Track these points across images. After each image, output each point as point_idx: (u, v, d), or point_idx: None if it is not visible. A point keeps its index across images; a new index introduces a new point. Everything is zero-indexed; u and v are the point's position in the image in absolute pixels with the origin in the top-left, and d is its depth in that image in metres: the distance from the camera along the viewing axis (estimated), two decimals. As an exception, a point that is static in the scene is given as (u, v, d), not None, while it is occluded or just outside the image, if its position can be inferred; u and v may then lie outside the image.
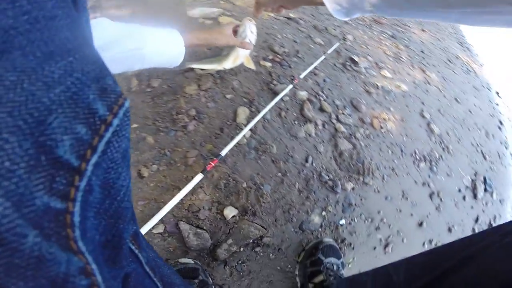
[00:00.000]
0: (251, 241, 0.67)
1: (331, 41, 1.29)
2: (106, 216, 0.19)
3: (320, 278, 0.63)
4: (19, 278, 0.13)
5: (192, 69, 0.79)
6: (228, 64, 0.71)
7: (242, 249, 0.67)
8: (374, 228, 0.84)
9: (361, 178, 0.85)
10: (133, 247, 0.25)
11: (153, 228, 0.54)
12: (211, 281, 0.59)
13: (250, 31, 0.73)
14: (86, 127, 0.14)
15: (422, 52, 1.70)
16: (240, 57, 0.73)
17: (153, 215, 0.57)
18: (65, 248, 0.14)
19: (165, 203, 0.61)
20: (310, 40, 1.21)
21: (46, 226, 0.13)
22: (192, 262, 0.59)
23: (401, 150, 1.03)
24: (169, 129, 0.69)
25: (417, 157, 1.07)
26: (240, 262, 0.66)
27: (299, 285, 0.68)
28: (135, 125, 0.68)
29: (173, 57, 0.59)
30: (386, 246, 0.85)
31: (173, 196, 0.61)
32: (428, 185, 1.03)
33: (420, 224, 0.94)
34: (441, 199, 1.03)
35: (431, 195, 1.01)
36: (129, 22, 0.48)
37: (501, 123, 1.56)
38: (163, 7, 1.11)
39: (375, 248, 0.83)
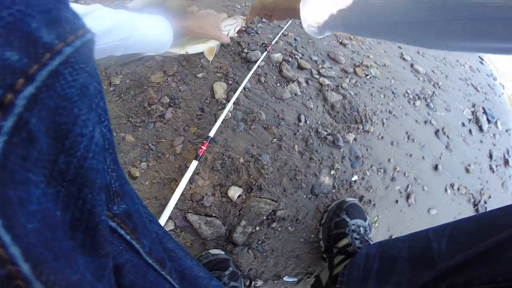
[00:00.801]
0: (264, 217, 0.65)
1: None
2: (64, 182, 0.14)
3: (345, 241, 0.61)
4: None
5: (153, 57, 0.75)
6: (192, 49, 0.68)
7: (258, 228, 0.65)
8: (389, 179, 0.83)
9: (361, 127, 0.83)
10: (122, 232, 0.21)
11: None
12: (240, 272, 0.59)
13: (234, 29, 0.76)
14: (19, 54, 0.11)
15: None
16: (209, 46, 0.72)
17: (158, 213, 0.55)
18: None
19: (166, 199, 0.60)
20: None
21: None
22: (223, 253, 0.59)
23: (393, 93, 1.01)
24: (146, 122, 0.67)
25: (411, 97, 1.06)
26: (260, 242, 0.65)
27: (322, 249, 0.67)
28: None
29: (159, 46, 0.59)
30: (407, 197, 0.85)
31: (172, 189, 0.60)
32: (431, 123, 1.05)
33: (436, 168, 0.94)
34: (447, 136, 1.02)
35: (436, 133, 1.02)
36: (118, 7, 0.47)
37: (481, 58, 1.62)
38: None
39: (397, 201, 0.82)
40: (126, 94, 0.70)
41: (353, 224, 0.63)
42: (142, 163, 0.63)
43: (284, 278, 0.65)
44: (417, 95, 1.12)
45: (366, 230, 0.64)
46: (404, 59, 1.26)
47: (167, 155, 0.64)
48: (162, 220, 0.52)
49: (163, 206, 0.56)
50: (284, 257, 0.66)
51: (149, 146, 0.64)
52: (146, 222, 0.24)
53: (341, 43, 1.13)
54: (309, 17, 0.52)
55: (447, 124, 1.07)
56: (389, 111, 0.97)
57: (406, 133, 0.97)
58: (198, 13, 0.66)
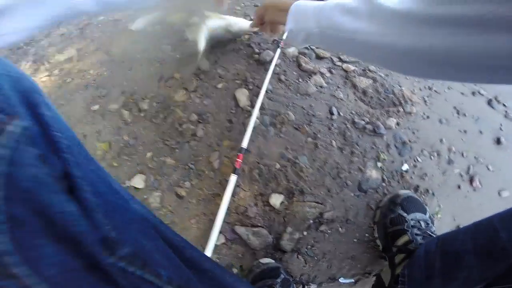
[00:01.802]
0: (311, 221, 0.66)
1: None
2: (64, 242, 0.21)
3: (404, 239, 0.59)
4: None
5: (172, 77, 0.78)
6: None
7: (305, 233, 0.66)
8: (445, 163, 0.79)
9: (401, 109, 0.80)
10: (132, 269, 0.24)
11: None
12: (291, 278, 0.61)
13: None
14: None
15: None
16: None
17: (208, 228, 0.61)
18: None
19: (213, 214, 0.64)
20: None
21: None
22: (273, 261, 0.62)
23: None
24: (181, 143, 0.72)
25: None
26: (309, 247, 0.66)
27: (380, 248, 0.66)
28: (149, 154, 0.69)
29: None
30: (471, 180, 0.79)
31: (217, 204, 0.63)
32: (480, 93, 0.98)
33: (498, 141, 0.87)
34: (503, 104, 0.96)
35: (489, 103, 0.96)
36: None
37: None
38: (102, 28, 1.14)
39: (459, 186, 0.77)
40: (157, 118, 0.74)
41: (411, 219, 0.61)
42: (185, 183, 0.68)
43: (339, 280, 0.66)
44: (457, 62, 1.03)
45: (428, 224, 0.61)
46: None
47: (207, 172, 0.69)
48: (214, 235, 0.55)
49: (212, 221, 0.59)
50: (337, 259, 0.66)
51: (189, 166, 0.69)
52: (164, 252, 0.28)
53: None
54: (292, 21, 0.60)
55: (500, 92, 0.97)
56: (429, 87, 0.91)
57: (454, 107, 0.91)
58: None
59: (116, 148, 0.73)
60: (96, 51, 1.03)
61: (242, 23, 0.85)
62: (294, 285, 0.61)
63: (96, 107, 0.81)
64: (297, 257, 0.65)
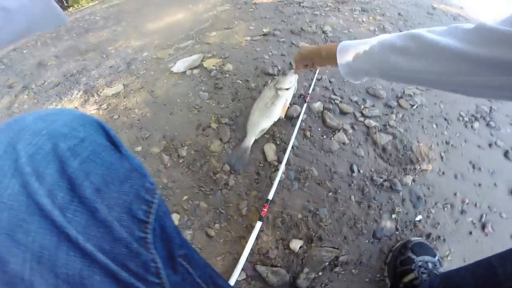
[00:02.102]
0: (327, 264, 0.73)
1: (313, 39, 1.36)
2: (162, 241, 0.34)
3: (411, 276, 0.65)
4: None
5: (209, 126, 0.89)
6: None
7: (320, 273, 0.73)
8: (458, 213, 0.85)
9: (418, 166, 0.86)
10: (184, 263, 0.37)
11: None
12: None
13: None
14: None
15: (400, 14, 1.80)
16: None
17: (232, 265, 0.70)
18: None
19: (238, 253, 0.74)
20: (295, 47, 1.29)
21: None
22: None
23: (445, 119, 1.00)
24: (215, 190, 0.83)
25: (467, 119, 1.04)
26: (323, 285, 0.72)
27: (388, 285, 0.72)
28: (185, 197, 0.80)
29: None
30: (483, 227, 0.85)
31: (242, 245, 0.73)
32: (496, 144, 1.02)
33: None
34: None
35: (506, 154, 0.98)
36: None
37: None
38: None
39: (471, 232, 0.83)
40: (194, 166, 0.84)
41: (419, 261, 0.66)
42: (215, 225, 0.78)
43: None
44: (473, 115, 1.09)
45: (435, 265, 0.66)
46: None
47: (235, 217, 0.79)
48: (237, 272, 0.65)
49: (236, 260, 0.69)
50: (349, 297, 0.76)
51: (220, 210, 0.80)
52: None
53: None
54: (345, 65, 0.64)
55: (517, 140, 1.00)
56: (446, 141, 0.96)
57: (470, 162, 0.95)
58: None
59: (156, 189, 0.83)
60: (140, 90, 1.17)
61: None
62: None
63: (139, 148, 0.92)
64: (313, 294, 0.74)
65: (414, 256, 0.67)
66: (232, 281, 0.63)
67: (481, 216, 0.84)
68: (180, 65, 1.25)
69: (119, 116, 1.07)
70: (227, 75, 1.15)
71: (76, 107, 1.22)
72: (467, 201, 0.85)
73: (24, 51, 1.84)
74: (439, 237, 0.79)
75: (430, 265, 0.65)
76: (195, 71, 1.19)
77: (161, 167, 0.87)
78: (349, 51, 0.62)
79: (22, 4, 0.46)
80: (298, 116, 0.92)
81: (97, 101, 1.21)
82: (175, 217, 0.79)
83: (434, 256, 0.68)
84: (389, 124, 0.97)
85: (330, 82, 1.10)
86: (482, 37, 0.39)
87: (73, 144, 0.26)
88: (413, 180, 0.86)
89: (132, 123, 1.01)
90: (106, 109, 1.14)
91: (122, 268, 0.24)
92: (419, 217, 0.80)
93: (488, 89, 0.41)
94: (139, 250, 0.25)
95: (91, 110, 1.18)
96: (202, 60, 1.25)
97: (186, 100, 1.05)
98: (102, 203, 0.25)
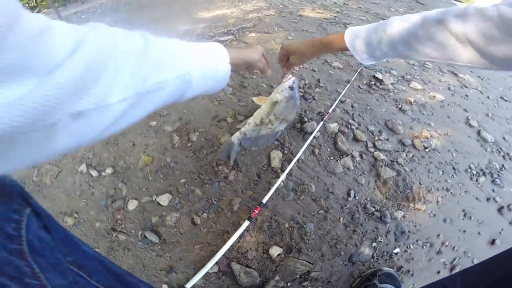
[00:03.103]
0: (298, 276, 0.73)
1: (349, 62, 1.33)
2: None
3: None
4: None
5: (224, 119, 0.88)
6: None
7: (289, 284, 0.73)
8: (435, 253, 0.83)
9: (412, 205, 0.84)
10: (74, 268, 0.37)
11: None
12: None
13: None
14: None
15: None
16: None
17: (208, 257, 0.70)
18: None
19: (217, 246, 0.73)
20: (328, 65, 1.28)
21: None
22: None
23: (453, 168, 0.97)
24: (213, 180, 0.83)
25: (474, 172, 1.00)
26: None
27: None
28: (183, 180, 0.79)
29: (219, 80, 0.50)
30: (452, 269, 0.83)
31: (224, 239, 0.73)
32: (494, 200, 1.01)
33: (492, 242, 0.90)
34: None
35: (500, 210, 0.97)
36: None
37: None
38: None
39: (439, 272, 0.82)
40: (200, 153, 0.84)
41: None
42: (203, 214, 0.79)
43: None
44: (481, 170, 1.05)
45: None
46: (470, 124, 1.19)
47: (225, 211, 0.79)
48: (210, 264, 0.65)
49: (214, 252, 0.69)
50: (308, 314, 0.75)
51: (212, 201, 0.79)
52: (102, 271, 0.41)
53: (400, 109, 1.12)
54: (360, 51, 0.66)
55: (515, 201, 0.97)
56: (447, 188, 0.94)
57: (463, 210, 0.94)
58: (246, 47, 0.76)
59: (157, 165, 0.86)
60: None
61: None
62: None
63: (154, 123, 0.94)
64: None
65: (378, 283, 0.68)
66: (202, 271, 0.63)
67: (454, 259, 0.82)
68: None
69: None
70: (254, 77, 1.14)
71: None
72: (446, 243, 0.84)
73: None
74: (408, 271, 0.78)
75: None
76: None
77: (169, 145, 0.88)
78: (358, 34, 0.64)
79: None
80: (311, 132, 0.90)
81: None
82: (167, 197, 0.80)
83: (398, 287, 0.69)
84: (397, 161, 0.94)
85: (352, 106, 1.07)
86: None
87: None
88: (403, 216, 0.84)
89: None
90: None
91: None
92: (397, 250, 0.79)
93: None
94: (11, 258, 0.28)
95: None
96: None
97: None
98: None
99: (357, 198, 0.84)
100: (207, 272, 0.66)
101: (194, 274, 0.65)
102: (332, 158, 0.90)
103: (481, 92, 1.44)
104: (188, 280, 0.64)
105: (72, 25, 0.28)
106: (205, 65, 0.44)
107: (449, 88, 1.39)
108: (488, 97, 1.41)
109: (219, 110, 0.97)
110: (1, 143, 0.22)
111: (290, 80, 0.81)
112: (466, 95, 1.37)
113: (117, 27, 0.34)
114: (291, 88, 0.81)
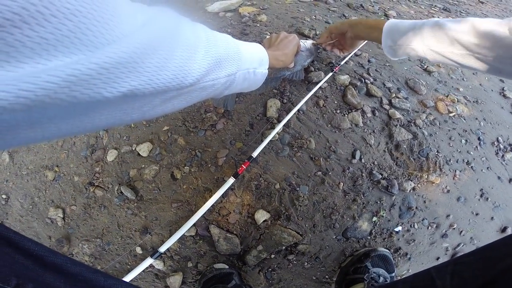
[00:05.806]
0: (283, 248, 0.60)
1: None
2: None
3: (359, 286, 0.55)
4: None
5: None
6: None
7: (273, 256, 0.60)
8: (439, 236, 0.68)
9: (425, 176, 0.65)
10: None
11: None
12: (244, 285, 0.57)
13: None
14: None
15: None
16: None
17: (186, 217, 0.56)
18: None
19: (197, 206, 0.59)
20: (344, 18, 0.98)
21: None
22: (227, 267, 0.58)
23: (479, 139, 0.76)
24: (199, 129, 0.66)
25: (501, 146, 0.79)
26: (270, 269, 0.61)
27: None
28: (166, 128, 0.63)
29: (255, 82, 0.43)
30: (453, 256, 0.69)
31: (205, 198, 0.59)
32: None
33: (503, 230, 0.74)
34: None
35: None
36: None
37: None
38: (180, 4, 1.04)
39: (438, 258, 0.68)
40: (186, 97, 0.65)
41: (374, 272, 0.56)
42: (185, 167, 0.62)
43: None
44: (510, 145, 0.82)
45: (386, 281, 0.56)
46: (504, 95, 0.95)
47: (209, 165, 0.63)
48: (187, 225, 0.51)
49: (192, 212, 0.55)
50: (289, 290, 0.62)
51: (196, 153, 0.64)
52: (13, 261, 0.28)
53: (425, 69, 0.88)
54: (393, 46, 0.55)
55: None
56: (467, 161, 0.74)
57: (481, 190, 0.75)
58: (281, 42, 0.57)
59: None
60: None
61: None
62: None
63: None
64: (259, 272, 0.60)
65: (370, 267, 0.56)
66: (178, 235, 0.50)
67: (458, 245, 0.68)
68: (216, 6, 1.02)
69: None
70: (258, 25, 0.90)
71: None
72: (455, 226, 0.67)
73: None
74: (406, 254, 0.64)
75: (381, 279, 0.55)
76: (228, 14, 0.94)
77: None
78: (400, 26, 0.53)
79: None
80: (317, 82, 0.69)
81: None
82: (147, 147, 0.64)
83: (391, 272, 0.57)
84: (414, 123, 0.72)
85: (369, 61, 0.82)
86: None
87: None
88: (413, 188, 0.65)
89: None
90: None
91: None
92: (398, 228, 0.64)
93: None
94: None
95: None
96: (239, 6, 1.02)
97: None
98: None
99: (362, 161, 0.65)
100: (183, 235, 0.52)
101: (170, 236, 0.51)
102: (338, 111, 0.68)
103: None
104: (163, 242, 0.51)
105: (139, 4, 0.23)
106: (247, 68, 0.38)
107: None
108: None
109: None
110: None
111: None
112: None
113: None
114: (317, 47, 0.71)
